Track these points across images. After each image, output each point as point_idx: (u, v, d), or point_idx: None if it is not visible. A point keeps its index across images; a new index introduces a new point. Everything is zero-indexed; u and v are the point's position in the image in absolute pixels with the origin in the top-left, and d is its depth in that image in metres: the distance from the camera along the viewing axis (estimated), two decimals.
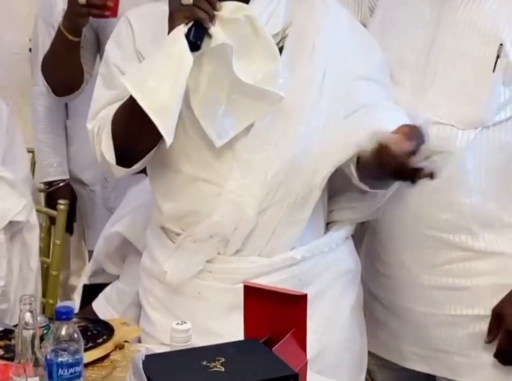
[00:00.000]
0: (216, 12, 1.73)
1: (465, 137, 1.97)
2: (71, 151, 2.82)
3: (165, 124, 1.69)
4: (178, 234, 1.92)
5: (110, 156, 1.82)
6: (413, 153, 1.64)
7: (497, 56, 1.94)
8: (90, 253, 2.73)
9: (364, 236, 2.18)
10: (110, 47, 1.92)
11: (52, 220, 2.57)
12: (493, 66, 1.94)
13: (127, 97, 1.77)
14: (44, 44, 2.61)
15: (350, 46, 1.92)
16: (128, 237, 2.15)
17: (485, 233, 2.02)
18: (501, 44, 1.94)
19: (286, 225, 1.88)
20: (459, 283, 2.03)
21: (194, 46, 1.70)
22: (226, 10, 1.74)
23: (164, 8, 1.83)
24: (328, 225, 1.99)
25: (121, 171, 1.86)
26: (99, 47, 2.56)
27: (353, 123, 1.87)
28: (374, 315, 2.16)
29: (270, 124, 1.82)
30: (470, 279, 2.03)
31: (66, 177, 2.81)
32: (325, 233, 1.97)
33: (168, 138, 1.70)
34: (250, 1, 1.82)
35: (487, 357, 2.03)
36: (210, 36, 1.72)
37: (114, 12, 2.35)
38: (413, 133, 1.70)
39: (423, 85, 2.01)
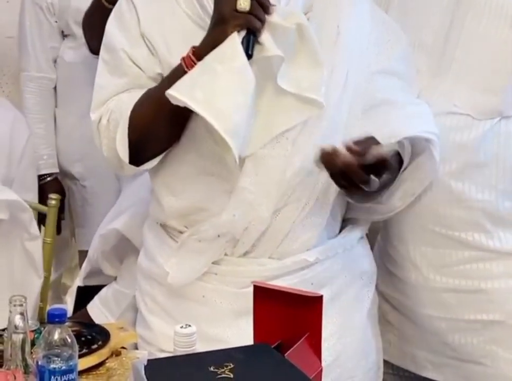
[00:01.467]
0: (266, 17, 1.70)
1: (481, 128, 1.94)
2: (59, 142, 2.81)
3: (238, 145, 1.66)
4: (181, 232, 1.86)
5: (124, 153, 1.78)
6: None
7: None
8: (81, 253, 2.70)
9: (377, 234, 2.14)
10: (112, 31, 1.86)
11: (42, 216, 2.52)
12: None
13: (152, 91, 1.76)
14: (32, 26, 2.62)
15: (373, 36, 1.88)
16: (126, 235, 2.12)
17: (500, 232, 1.98)
18: None
19: (301, 228, 1.83)
20: (473, 286, 1.98)
21: (247, 55, 1.69)
22: (277, 16, 1.71)
23: None
24: (342, 223, 1.95)
25: (133, 169, 1.83)
26: None
27: (370, 123, 1.82)
28: (386, 318, 2.12)
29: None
30: (485, 282, 1.98)
31: (57, 170, 2.81)
32: (339, 232, 1.93)
33: (237, 157, 1.67)
34: None
35: (504, 366, 1.98)
36: (259, 43, 1.70)
37: None
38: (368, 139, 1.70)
39: (440, 70, 1.97)
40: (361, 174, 1.65)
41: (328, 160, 1.65)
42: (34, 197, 2.45)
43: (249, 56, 1.68)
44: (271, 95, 1.74)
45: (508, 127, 1.95)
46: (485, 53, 1.94)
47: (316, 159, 1.67)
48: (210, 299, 1.84)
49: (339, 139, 1.75)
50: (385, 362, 2.10)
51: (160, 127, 1.78)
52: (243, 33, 1.68)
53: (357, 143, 1.66)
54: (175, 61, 1.76)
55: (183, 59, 1.73)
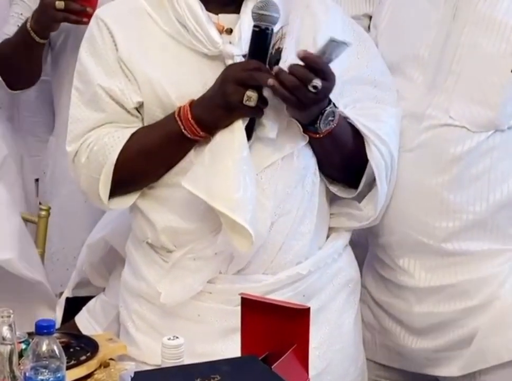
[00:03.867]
0: None
1: (475, 140, 1.95)
2: None
3: (254, 228, 1.72)
4: (170, 251, 1.86)
5: (105, 194, 1.82)
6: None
7: None
8: None
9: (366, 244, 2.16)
10: (86, 59, 1.86)
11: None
12: (511, 66, 1.91)
13: (142, 139, 1.80)
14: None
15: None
16: (114, 245, 2.11)
17: (487, 241, 1.99)
18: None
19: (293, 239, 1.85)
20: (457, 281, 2.02)
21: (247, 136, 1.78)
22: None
23: (135, 4, 1.83)
24: None
25: (107, 207, 1.86)
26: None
27: None
28: (381, 324, 2.13)
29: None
30: (469, 275, 2.01)
31: None
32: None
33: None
34: (244, 2, 1.81)
35: (487, 343, 2.00)
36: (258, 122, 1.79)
37: (90, 18, 2.32)
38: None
39: (436, 83, 1.98)
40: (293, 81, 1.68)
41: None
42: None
43: (249, 137, 1.77)
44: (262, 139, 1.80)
45: (502, 140, 1.96)
46: (481, 67, 1.94)
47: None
48: (205, 318, 1.85)
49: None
50: (376, 369, 2.14)
51: (149, 176, 1.82)
52: (246, 120, 1.75)
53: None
54: (157, 82, 1.78)
55: (179, 113, 1.75)
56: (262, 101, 1.74)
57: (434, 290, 2.02)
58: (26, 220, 2.47)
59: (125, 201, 1.86)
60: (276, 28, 1.78)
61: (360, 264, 2.08)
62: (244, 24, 1.79)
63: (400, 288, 2.06)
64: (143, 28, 1.83)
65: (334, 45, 1.69)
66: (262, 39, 1.75)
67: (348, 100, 1.90)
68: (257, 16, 1.74)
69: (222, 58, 1.79)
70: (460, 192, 1.96)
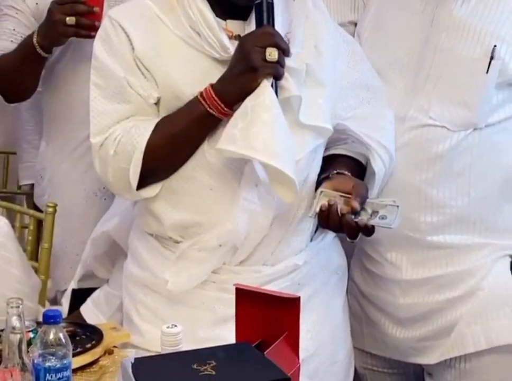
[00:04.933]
0: None
1: (455, 139, 1.98)
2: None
3: (296, 177, 1.77)
4: (177, 242, 1.89)
5: (135, 182, 1.83)
6: (359, 210, 1.77)
7: (491, 58, 1.94)
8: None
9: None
10: (104, 57, 1.87)
11: (39, 222, 2.54)
12: (486, 68, 1.94)
13: (168, 127, 1.82)
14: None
15: (341, 53, 1.96)
16: (116, 238, 2.13)
17: (470, 235, 2.04)
18: (495, 46, 1.95)
19: (292, 234, 1.90)
20: (442, 272, 2.06)
21: None
22: (291, 61, 1.81)
23: (146, 1, 1.85)
24: None
25: (136, 196, 1.87)
26: None
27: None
28: (368, 315, 2.17)
29: None
30: (452, 267, 2.06)
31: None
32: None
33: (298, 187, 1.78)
34: (250, 14, 1.85)
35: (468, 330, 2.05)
36: (280, 85, 1.80)
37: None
38: (359, 187, 1.83)
39: (416, 86, 2.01)
40: (353, 231, 1.78)
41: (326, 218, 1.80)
42: None
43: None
44: (291, 127, 1.81)
45: (480, 138, 1.99)
46: (458, 70, 1.97)
47: (312, 215, 1.81)
48: (209, 305, 1.88)
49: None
50: (364, 357, 2.20)
51: (176, 160, 1.84)
52: (270, 79, 1.77)
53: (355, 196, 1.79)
54: (174, 80, 1.81)
55: (202, 95, 1.78)
56: (282, 56, 1.77)
57: (419, 282, 2.06)
58: (32, 216, 2.53)
59: (152, 190, 1.87)
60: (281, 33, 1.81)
61: (348, 258, 2.11)
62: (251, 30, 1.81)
63: (387, 281, 2.10)
64: (154, 30, 1.84)
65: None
66: (266, 10, 1.79)
67: (346, 106, 1.94)
68: None
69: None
70: (443, 188, 2.00)
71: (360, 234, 1.81)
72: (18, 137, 2.88)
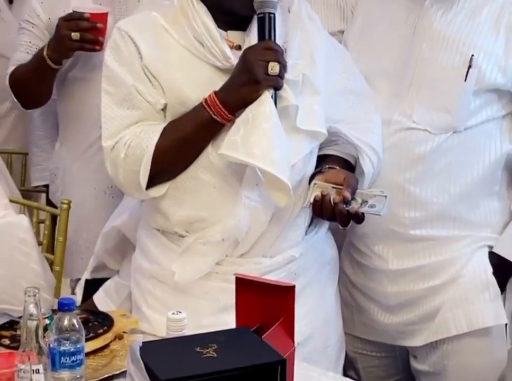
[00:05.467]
0: None
1: (436, 141, 2.00)
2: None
3: (291, 182, 1.79)
4: (182, 236, 1.90)
5: (144, 183, 1.84)
6: (350, 200, 1.79)
7: (469, 67, 1.96)
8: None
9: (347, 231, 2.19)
10: (114, 65, 1.87)
11: (54, 218, 2.56)
12: (464, 76, 1.96)
13: (175, 133, 1.83)
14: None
15: (333, 61, 1.96)
16: (124, 232, 2.14)
17: (450, 229, 2.06)
18: (473, 55, 1.96)
19: (289, 229, 1.91)
20: (425, 262, 2.08)
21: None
22: (288, 72, 1.82)
23: (153, 13, 1.86)
24: None
25: (145, 195, 1.88)
26: None
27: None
28: (358, 303, 2.19)
29: None
30: (435, 257, 2.08)
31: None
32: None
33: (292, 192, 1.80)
34: (250, 25, 1.85)
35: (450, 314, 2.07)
36: (279, 95, 1.81)
37: (102, 46, 2.34)
38: (350, 179, 1.84)
39: (400, 92, 2.03)
40: (345, 218, 1.79)
41: (320, 207, 1.81)
42: None
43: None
44: (289, 132, 1.83)
45: (459, 140, 2.01)
46: (438, 77, 1.98)
47: (307, 205, 1.83)
48: (213, 295, 1.88)
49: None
50: (354, 341, 2.22)
51: (182, 162, 1.85)
52: (271, 90, 1.78)
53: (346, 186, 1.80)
54: (179, 88, 1.82)
55: (206, 102, 1.79)
56: (282, 70, 1.78)
57: (405, 272, 2.07)
58: (48, 212, 2.54)
59: (160, 189, 1.87)
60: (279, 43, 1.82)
61: (339, 251, 2.12)
62: (251, 42, 1.82)
63: (375, 271, 2.11)
64: (160, 40, 1.84)
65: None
66: (267, 24, 1.80)
67: (337, 110, 1.94)
68: (259, 4, 1.79)
69: (231, 71, 1.81)
70: (425, 186, 2.02)
71: (351, 223, 1.83)
72: (29, 141, 2.89)
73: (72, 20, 2.33)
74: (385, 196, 1.81)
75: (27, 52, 2.50)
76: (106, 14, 2.35)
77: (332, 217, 1.82)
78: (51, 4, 2.44)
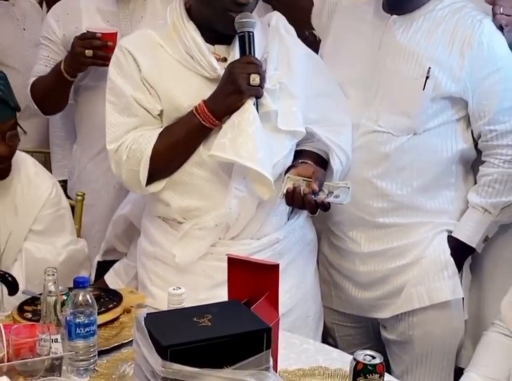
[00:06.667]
0: None
1: (399, 142, 2.00)
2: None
3: (273, 179, 1.80)
4: (180, 223, 1.90)
5: (144, 181, 1.85)
6: (317, 191, 1.79)
7: (427, 77, 1.96)
8: None
9: (325, 218, 2.20)
10: (116, 78, 1.88)
11: (71, 209, 2.54)
12: (423, 85, 1.96)
13: (169, 137, 1.83)
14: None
15: (309, 67, 1.96)
16: (131, 219, 2.13)
17: (413, 217, 2.07)
18: (430, 67, 1.96)
19: (274, 215, 1.91)
20: (392, 245, 2.09)
21: None
22: (267, 82, 1.83)
23: (149, 31, 1.87)
24: None
25: (145, 191, 1.88)
26: None
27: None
28: (335, 280, 2.19)
29: None
30: (400, 241, 2.09)
31: None
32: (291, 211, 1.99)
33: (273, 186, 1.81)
34: (234, 38, 1.84)
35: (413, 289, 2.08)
36: (260, 103, 1.81)
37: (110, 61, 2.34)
38: (318, 173, 1.85)
39: (367, 100, 2.03)
40: (313, 207, 1.80)
41: (292, 198, 1.82)
42: None
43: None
44: (271, 133, 1.84)
45: (419, 141, 2.01)
46: (401, 87, 1.99)
47: (280, 196, 1.82)
48: (209, 273, 1.89)
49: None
50: (332, 313, 2.21)
51: (176, 162, 1.86)
52: (253, 99, 1.79)
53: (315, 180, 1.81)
54: (173, 95, 1.82)
55: (196, 110, 1.80)
56: (262, 81, 1.79)
57: (375, 254, 2.08)
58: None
59: (158, 185, 1.88)
60: (259, 56, 1.83)
61: (318, 235, 2.13)
62: (235, 56, 1.82)
63: (349, 253, 2.12)
64: (156, 55, 1.85)
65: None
66: (247, 41, 1.80)
67: (313, 110, 1.93)
68: (240, 24, 1.78)
69: (218, 80, 1.82)
70: (390, 180, 2.03)
71: (318, 211, 1.84)
72: (51, 141, 2.88)
73: (86, 39, 2.32)
74: (348, 188, 1.81)
75: (46, 65, 2.49)
76: (115, 34, 2.33)
77: (302, 206, 1.82)
78: (65, 22, 2.43)
